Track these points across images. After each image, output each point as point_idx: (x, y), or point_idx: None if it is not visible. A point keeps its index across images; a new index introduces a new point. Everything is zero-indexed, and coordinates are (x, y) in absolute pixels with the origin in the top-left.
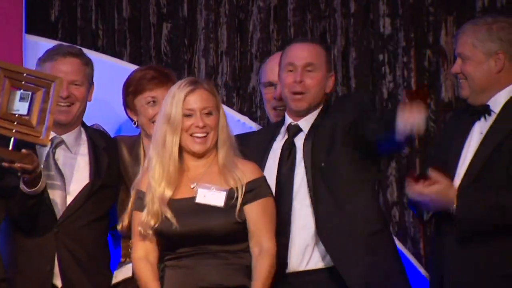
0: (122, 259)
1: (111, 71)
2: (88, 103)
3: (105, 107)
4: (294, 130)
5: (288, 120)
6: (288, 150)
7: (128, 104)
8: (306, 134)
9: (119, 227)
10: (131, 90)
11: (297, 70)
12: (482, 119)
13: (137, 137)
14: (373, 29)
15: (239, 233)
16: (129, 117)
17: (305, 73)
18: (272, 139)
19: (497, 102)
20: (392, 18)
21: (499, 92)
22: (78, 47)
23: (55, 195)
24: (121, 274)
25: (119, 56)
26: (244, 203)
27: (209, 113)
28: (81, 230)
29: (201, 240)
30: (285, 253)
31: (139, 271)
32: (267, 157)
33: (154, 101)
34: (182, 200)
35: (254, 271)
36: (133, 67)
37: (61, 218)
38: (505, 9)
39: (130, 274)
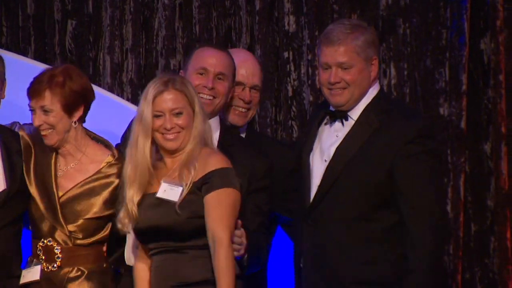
0: (31, 258)
1: (15, 69)
2: None
3: (10, 105)
4: None
5: None
6: None
7: None
8: None
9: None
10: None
11: (209, 76)
12: (338, 122)
13: None
14: (278, 27)
15: (198, 228)
16: None
17: (216, 81)
18: None
19: (356, 107)
20: (297, 16)
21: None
22: None
23: None
24: (30, 274)
25: (24, 53)
26: (203, 196)
27: (178, 113)
28: None
29: (160, 236)
30: None
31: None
32: None
33: (32, 110)
34: (149, 195)
35: (213, 267)
36: (38, 64)
37: None
38: (408, 7)
39: (37, 277)
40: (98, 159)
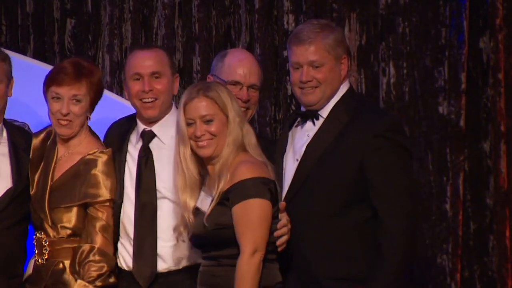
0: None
1: (15, 68)
2: None
3: (9, 103)
4: (148, 137)
5: (141, 126)
6: (145, 158)
7: (44, 94)
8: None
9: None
10: (45, 81)
11: (144, 80)
12: (309, 122)
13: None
14: (277, 26)
15: (225, 239)
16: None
17: (153, 81)
18: (127, 136)
19: (327, 105)
20: (296, 15)
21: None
22: None
23: None
24: (27, 271)
25: (23, 51)
26: (230, 208)
27: (209, 120)
28: (2, 232)
29: (200, 244)
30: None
31: None
32: (125, 157)
33: (57, 97)
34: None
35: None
36: (37, 63)
37: None
38: (407, 6)
39: (30, 271)
40: (87, 151)
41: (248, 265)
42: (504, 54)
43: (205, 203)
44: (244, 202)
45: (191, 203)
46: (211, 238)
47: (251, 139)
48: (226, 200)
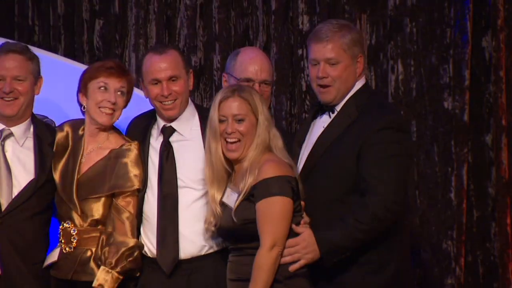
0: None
1: (46, 65)
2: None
3: (41, 99)
4: (168, 132)
5: (161, 122)
6: (166, 152)
7: (82, 87)
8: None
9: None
10: (88, 74)
11: (162, 84)
12: (326, 115)
13: (82, 122)
14: (293, 26)
15: (253, 232)
16: (79, 102)
17: (171, 84)
18: (148, 131)
19: (342, 101)
20: (310, 15)
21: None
22: (24, 44)
23: (1, 187)
24: (50, 257)
25: (54, 50)
26: (255, 204)
27: (240, 120)
28: (24, 222)
29: (228, 237)
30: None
31: None
32: (148, 150)
33: (105, 88)
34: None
35: None
36: (67, 61)
37: (6, 211)
38: (415, 7)
39: (55, 259)
40: (114, 146)
41: (265, 259)
42: (506, 52)
43: (231, 199)
44: (267, 199)
45: (218, 196)
46: (239, 232)
47: (277, 142)
48: (251, 196)
